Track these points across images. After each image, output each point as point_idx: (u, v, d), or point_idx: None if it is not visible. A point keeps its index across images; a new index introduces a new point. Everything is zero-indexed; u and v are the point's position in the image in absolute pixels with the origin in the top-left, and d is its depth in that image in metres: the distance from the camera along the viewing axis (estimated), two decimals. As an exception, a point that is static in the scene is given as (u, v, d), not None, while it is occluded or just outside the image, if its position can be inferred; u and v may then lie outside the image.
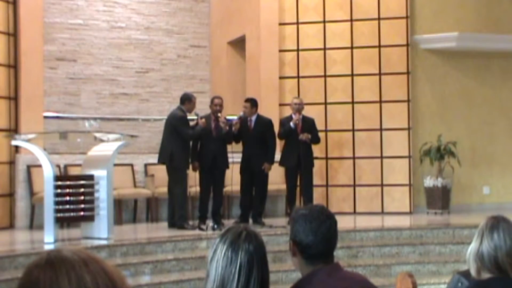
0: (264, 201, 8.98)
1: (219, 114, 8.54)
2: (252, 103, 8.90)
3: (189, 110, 8.66)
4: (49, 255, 1.15)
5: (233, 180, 8.92)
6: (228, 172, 9.38)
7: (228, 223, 8.73)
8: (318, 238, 2.37)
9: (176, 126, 8.49)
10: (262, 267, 2.14)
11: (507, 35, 10.33)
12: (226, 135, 8.58)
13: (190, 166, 8.65)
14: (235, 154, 8.98)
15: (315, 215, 2.40)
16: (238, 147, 9.08)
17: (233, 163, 8.82)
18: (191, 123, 8.66)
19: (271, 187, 9.30)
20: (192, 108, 8.67)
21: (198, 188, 8.77)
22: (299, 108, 9.05)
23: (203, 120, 8.52)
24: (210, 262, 2.14)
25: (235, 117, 9.19)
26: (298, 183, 9.12)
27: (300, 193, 9.15)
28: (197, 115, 8.62)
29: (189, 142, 8.58)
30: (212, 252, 2.15)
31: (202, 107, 9.54)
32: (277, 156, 9.37)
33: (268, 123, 8.92)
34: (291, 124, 8.93)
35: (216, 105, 8.62)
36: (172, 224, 8.55)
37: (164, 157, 8.55)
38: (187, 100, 8.67)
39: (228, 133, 8.58)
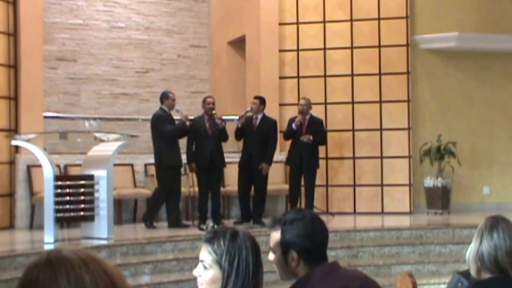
0: (264, 201, 8.97)
1: (214, 111, 8.59)
2: (261, 100, 8.95)
3: (169, 107, 8.71)
4: (49, 255, 1.15)
5: (233, 180, 8.95)
6: (228, 172, 9.40)
7: (228, 223, 8.74)
8: (316, 240, 2.37)
9: (156, 126, 8.57)
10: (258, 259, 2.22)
11: (507, 35, 10.32)
12: (222, 133, 8.62)
13: (188, 168, 8.70)
14: (233, 154, 9.02)
15: (301, 217, 2.40)
16: (236, 146, 9.10)
17: (235, 163, 8.83)
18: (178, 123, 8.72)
19: (271, 187, 9.30)
20: (171, 104, 8.73)
21: (196, 189, 8.78)
22: (302, 109, 9.06)
23: (185, 113, 8.59)
24: (231, 264, 2.14)
25: (231, 117, 9.25)
26: (302, 183, 9.14)
27: (304, 193, 9.17)
28: (177, 111, 8.66)
29: (175, 140, 8.58)
30: (235, 253, 2.14)
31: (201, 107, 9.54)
32: (283, 156, 9.43)
33: (273, 123, 8.96)
34: (293, 125, 8.95)
35: (209, 104, 8.69)
36: (173, 224, 8.56)
37: (155, 158, 8.64)
38: (164, 98, 8.75)
39: (223, 130, 8.61)
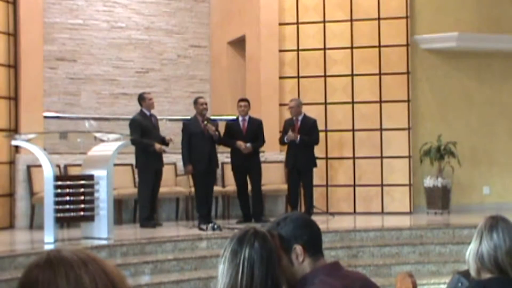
0: (261, 198, 9.06)
1: (205, 122, 8.55)
2: (249, 102, 9.04)
3: (148, 108, 8.78)
4: (48, 255, 1.15)
5: (233, 180, 8.96)
6: (228, 172, 9.41)
7: (224, 222, 8.75)
8: (314, 229, 2.39)
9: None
10: (268, 266, 2.14)
11: (507, 35, 10.33)
12: (218, 140, 8.69)
13: (185, 170, 8.74)
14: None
15: (291, 214, 2.45)
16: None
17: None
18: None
19: (270, 187, 9.30)
20: (149, 105, 8.80)
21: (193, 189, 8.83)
22: (291, 111, 9.11)
23: (161, 148, 8.55)
24: (220, 259, 2.18)
25: (231, 117, 9.29)
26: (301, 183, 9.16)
27: (303, 194, 9.18)
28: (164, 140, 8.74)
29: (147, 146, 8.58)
30: (223, 250, 2.19)
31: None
32: (282, 157, 9.45)
33: (260, 123, 9.08)
34: (285, 138, 8.95)
35: (202, 105, 8.69)
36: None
37: None
38: (141, 100, 8.86)
39: (218, 137, 8.71)
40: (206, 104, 8.78)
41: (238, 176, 8.92)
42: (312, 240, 2.35)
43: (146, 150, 8.55)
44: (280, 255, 2.32)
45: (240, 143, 8.78)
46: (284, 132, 9.14)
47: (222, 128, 9.09)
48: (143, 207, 8.65)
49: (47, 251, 1.18)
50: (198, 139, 8.57)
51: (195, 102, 8.82)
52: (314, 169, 9.22)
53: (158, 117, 9.17)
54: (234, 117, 9.32)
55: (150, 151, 8.53)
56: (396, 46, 10.23)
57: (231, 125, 9.08)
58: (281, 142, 9.22)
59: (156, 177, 8.62)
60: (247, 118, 8.98)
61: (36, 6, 9.03)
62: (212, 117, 8.99)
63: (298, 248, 2.32)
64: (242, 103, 9.03)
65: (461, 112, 10.41)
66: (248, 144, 8.77)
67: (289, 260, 2.33)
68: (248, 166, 8.81)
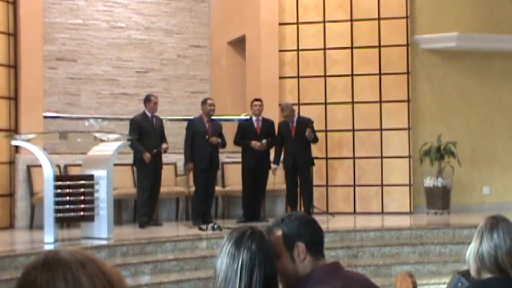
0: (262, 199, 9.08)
1: (206, 136, 8.54)
2: (262, 101, 9.14)
3: (151, 110, 8.82)
4: (46, 257, 1.15)
5: (233, 180, 8.94)
6: (228, 172, 9.40)
7: (224, 222, 8.74)
8: (318, 230, 2.39)
9: None
10: (266, 266, 2.14)
11: (507, 35, 10.32)
12: (221, 144, 8.70)
13: (185, 168, 8.74)
14: (233, 154, 9.02)
15: (295, 212, 2.45)
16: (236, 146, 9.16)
17: (235, 163, 8.83)
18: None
19: (271, 187, 9.30)
20: (153, 107, 8.83)
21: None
22: (286, 119, 9.12)
23: (149, 156, 8.48)
24: (216, 260, 2.17)
25: (231, 117, 9.29)
26: (299, 183, 9.15)
27: (301, 194, 9.17)
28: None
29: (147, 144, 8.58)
30: (219, 250, 2.19)
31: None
32: (282, 157, 9.47)
33: (273, 123, 9.18)
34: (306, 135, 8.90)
35: (211, 105, 8.72)
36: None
37: None
38: (146, 101, 8.90)
39: (223, 144, 8.73)
40: (214, 105, 8.80)
41: (247, 176, 8.93)
42: (315, 240, 2.36)
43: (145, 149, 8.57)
44: (281, 251, 2.33)
45: (255, 143, 8.82)
46: (280, 135, 9.13)
47: (226, 128, 9.09)
48: (139, 205, 8.67)
49: (45, 252, 1.17)
50: (201, 139, 8.59)
51: (204, 102, 8.86)
52: (313, 169, 9.22)
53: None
54: (247, 117, 9.39)
55: (149, 150, 8.53)
56: (396, 46, 10.23)
57: (245, 125, 9.12)
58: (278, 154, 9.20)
59: (154, 178, 8.61)
60: (260, 118, 9.04)
61: (36, 6, 9.03)
62: (214, 117, 8.98)
63: (300, 246, 2.33)
64: (257, 103, 9.10)
65: (461, 112, 10.40)
66: (264, 141, 8.82)
67: (290, 257, 2.34)
68: (258, 167, 8.85)
